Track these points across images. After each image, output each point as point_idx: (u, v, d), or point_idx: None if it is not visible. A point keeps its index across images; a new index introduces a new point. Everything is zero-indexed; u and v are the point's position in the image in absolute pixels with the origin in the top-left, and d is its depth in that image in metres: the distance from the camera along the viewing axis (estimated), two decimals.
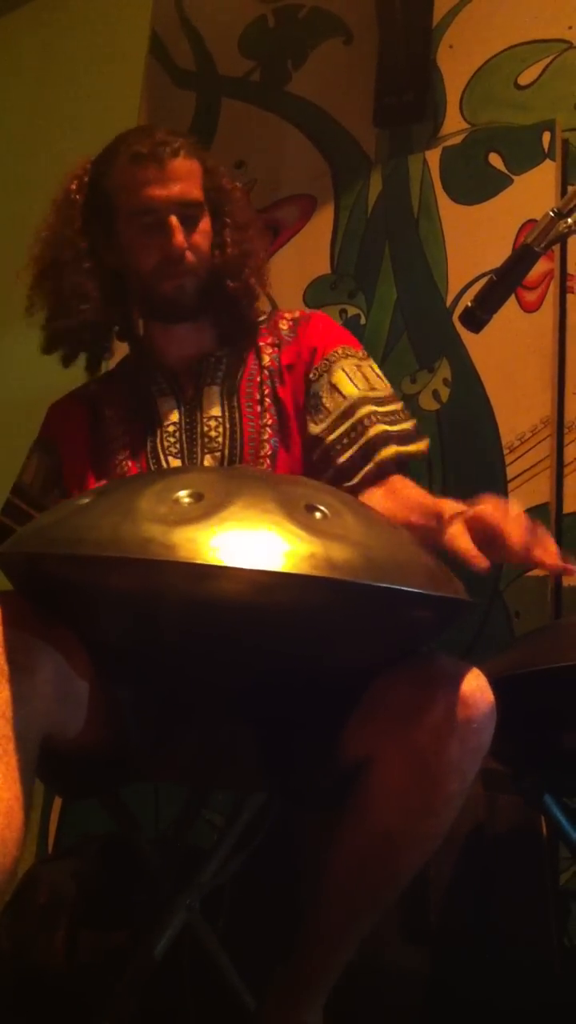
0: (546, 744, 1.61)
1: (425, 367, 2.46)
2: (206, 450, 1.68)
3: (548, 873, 1.90)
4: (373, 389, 1.71)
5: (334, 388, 1.70)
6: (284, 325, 1.79)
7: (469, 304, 1.46)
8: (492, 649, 2.01)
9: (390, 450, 1.65)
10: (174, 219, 1.66)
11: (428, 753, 1.28)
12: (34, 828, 2.39)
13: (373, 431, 1.66)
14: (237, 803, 1.55)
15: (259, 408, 1.71)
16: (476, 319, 1.47)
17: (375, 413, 1.68)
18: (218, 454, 1.67)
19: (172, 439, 1.69)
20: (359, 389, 1.69)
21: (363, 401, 1.68)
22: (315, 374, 1.71)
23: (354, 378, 1.71)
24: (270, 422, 1.69)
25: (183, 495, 1.20)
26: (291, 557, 1.13)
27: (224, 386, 1.73)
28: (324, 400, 1.69)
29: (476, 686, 1.30)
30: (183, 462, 1.67)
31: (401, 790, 1.30)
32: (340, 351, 1.74)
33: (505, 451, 2.31)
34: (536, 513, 2.23)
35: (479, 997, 1.71)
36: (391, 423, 1.69)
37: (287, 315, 1.82)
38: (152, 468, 1.67)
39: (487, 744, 1.32)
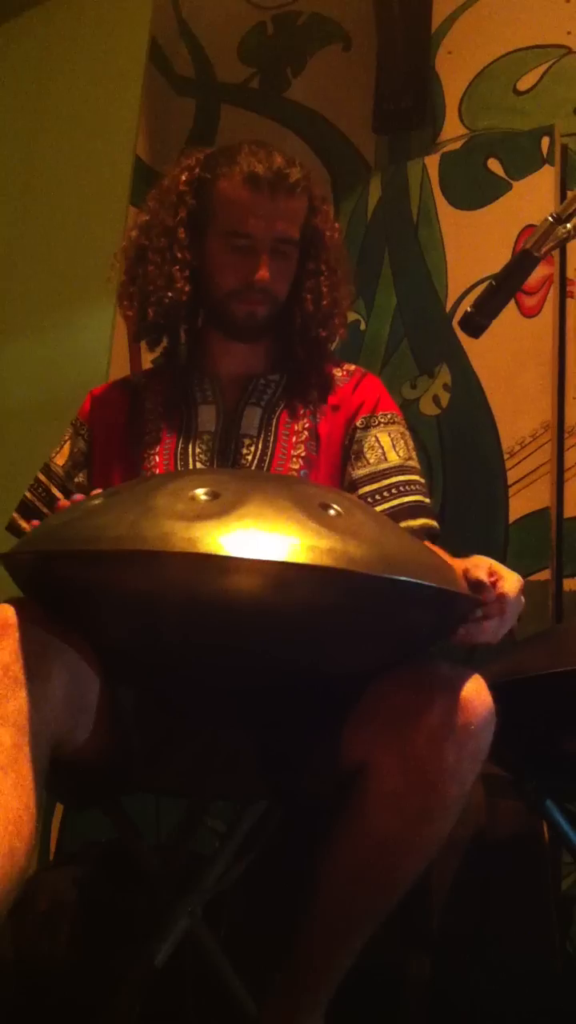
0: (547, 749, 1.61)
1: (425, 372, 2.46)
2: (236, 467, 1.69)
3: (550, 878, 1.89)
4: (410, 459, 1.76)
5: (378, 444, 1.74)
6: (339, 372, 1.83)
7: (469, 309, 1.47)
8: (493, 654, 2.01)
9: (419, 521, 1.69)
10: (266, 255, 1.68)
11: (425, 758, 1.28)
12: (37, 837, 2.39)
13: (408, 499, 1.70)
14: (238, 810, 1.55)
15: (294, 439, 1.73)
16: (476, 324, 1.47)
17: (413, 483, 1.73)
18: (250, 457, 1.70)
19: (204, 447, 1.71)
20: (399, 456, 1.74)
21: (402, 470, 1.73)
22: (363, 423, 1.75)
23: (396, 445, 1.75)
24: (303, 453, 1.71)
25: (199, 493, 1.20)
26: (312, 550, 1.13)
27: (266, 410, 1.75)
28: (366, 452, 1.73)
29: (474, 690, 1.30)
30: (209, 465, 1.69)
31: (398, 795, 1.29)
32: (391, 416, 1.79)
33: (505, 456, 2.31)
34: (537, 518, 2.24)
35: (481, 1003, 1.71)
36: (423, 495, 1.74)
37: (343, 365, 1.86)
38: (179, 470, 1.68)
39: (486, 749, 1.31)
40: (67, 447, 1.80)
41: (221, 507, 1.17)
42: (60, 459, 1.80)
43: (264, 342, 1.79)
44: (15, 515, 1.79)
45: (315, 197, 1.78)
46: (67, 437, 1.82)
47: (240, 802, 1.55)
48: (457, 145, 2.62)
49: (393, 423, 1.78)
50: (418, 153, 2.65)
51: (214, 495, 1.20)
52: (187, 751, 1.43)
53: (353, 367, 1.86)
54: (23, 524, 1.76)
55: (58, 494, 1.76)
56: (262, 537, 1.14)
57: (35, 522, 1.56)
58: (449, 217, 2.53)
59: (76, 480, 1.77)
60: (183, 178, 1.76)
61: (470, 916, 1.77)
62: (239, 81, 3.09)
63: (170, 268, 1.72)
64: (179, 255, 1.72)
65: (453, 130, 2.65)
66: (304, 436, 1.73)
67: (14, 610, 1.23)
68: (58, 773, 1.31)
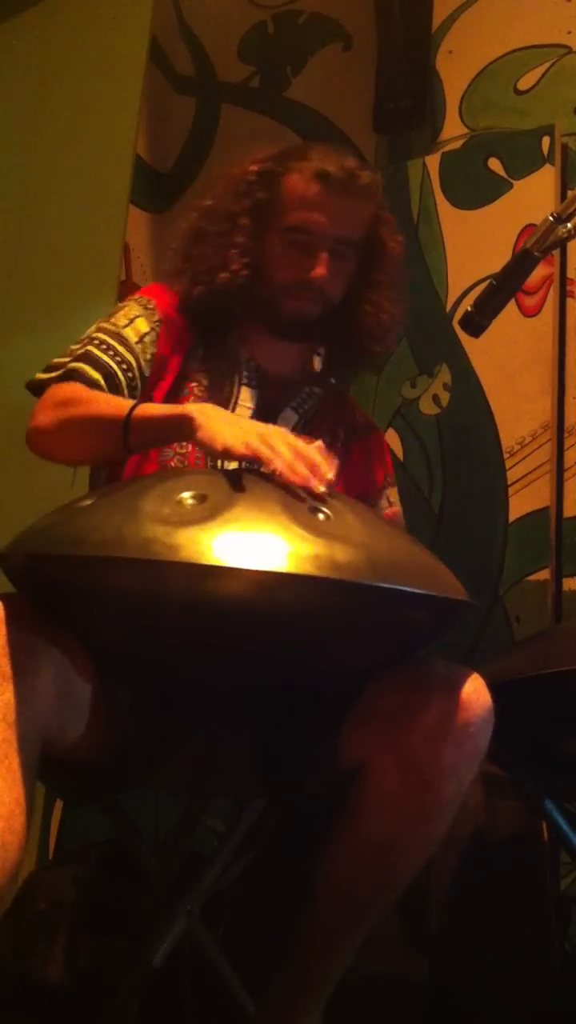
0: (546, 749, 1.61)
1: (425, 372, 2.45)
2: None
3: (549, 878, 1.89)
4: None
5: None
6: (360, 418, 1.85)
7: (469, 309, 1.47)
8: (492, 653, 2.01)
9: None
10: (325, 254, 1.67)
11: (422, 758, 1.28)
12: (35, 834, 2.39)
13: None
14: (237, 809, 1.55)
15: None
16: (476, 324, 1.47)
17: None
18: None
19: None
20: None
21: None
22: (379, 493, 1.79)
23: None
24: None
25: (186, 496, 1.20)
26: (295, 558, 1.13)
27: (303, 418, 1.75)
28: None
29: (472, 689, 1.30)
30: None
31: (395, 795, 1.29)
32: (388, 480, 1.83)
33: (505, 456, 2.31)
34: (536, 517, 2.24)
35: (480, 1003, 1.71)
36: None
37: (361, 410, 1.89)
38: None
39: (484, 748, 1.31)
40: (136, 325, 1.67)
41: (207, 512, 1.17)
42: (132, 332, 1.66)
43: (306, 345, 1.78)
44: (81, 365, 1.59)
45: (381, 206, 1.76)
46: (138, 315, 1.69)
47: (239, 801, 1.55)
48: (457, 144, 2.62)
49: (389, 486, 1.82)
50: (418, 152, 2.65)
51: (201, 498, 1.20)
52: (185, 750, 1.43)
53: (370, 419, 1.89)
54: (88, 370, 1.60)
55: (136, 366, 1.63)
56: (245, 544, 1.13)
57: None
58: (449, 216, 2.53)
59: (146, 373, 1.65)
60: (253, 169, 1.73)
61: (469, 916, 1.78)
62: (239, 80, 3.09)
63: (227, 251, 1.69)
64: (238, 240, 1.69)
65: (453, 129, 2.64)
66: None
67: (2, 605, 1.22)
68: (55, 769, 1.31)
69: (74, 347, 1.65)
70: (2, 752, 1.15)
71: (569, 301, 2.35)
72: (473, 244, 2.46)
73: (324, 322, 1.72)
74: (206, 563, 1.12)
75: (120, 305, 1.72)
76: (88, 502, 1.28)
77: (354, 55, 2.88)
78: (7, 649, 1.19)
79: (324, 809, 1.39)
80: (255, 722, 1.42)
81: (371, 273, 1.75)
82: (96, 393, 1.55)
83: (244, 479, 1.26)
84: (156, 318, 1.69)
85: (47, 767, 1.25)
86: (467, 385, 2.40)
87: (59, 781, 1.46)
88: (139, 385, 1.63)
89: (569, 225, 1.41)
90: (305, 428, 1.73)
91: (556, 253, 2.24)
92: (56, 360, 1.65)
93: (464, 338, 2.39)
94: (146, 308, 1.70)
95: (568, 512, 2.24)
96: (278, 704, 1.40)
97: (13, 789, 1.15)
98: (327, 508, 1.22)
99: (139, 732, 1.39)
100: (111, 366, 1.60)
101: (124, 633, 1.29)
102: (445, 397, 2.42)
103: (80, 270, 2.99)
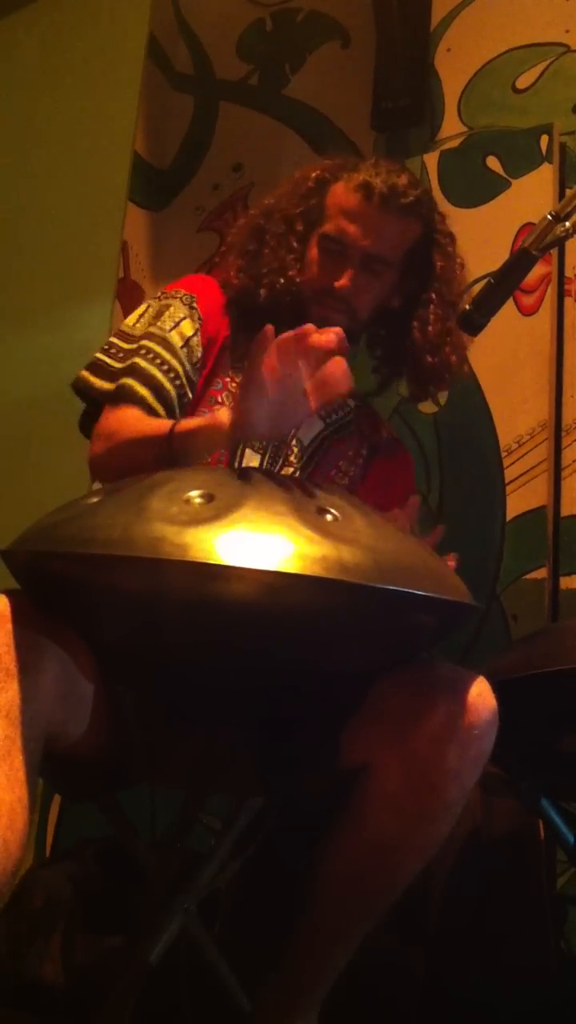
0: (543, 748, 1.61)
1: None
2: (287, 464, 1.69)
3: (545, 877, 1.90)
4: None
5: None
6: (385, 435, 1.86)
7: (467, 307, 1.46)
8: (489, 652, 2.01)
9: None
10: (353, 266, 1.67)
11: (426, 760, 1.28)
12: (32, 831, 2.39)
13: None
14: (234, 807, 1.55)
15: (333, 472, 1.75)
16: (474, 322, 1.47)
17: None
18: (289, 469, 1.70)
19: None
20: None
21: None
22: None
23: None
24: None
25: (194, 495, 1.20)
26: (303, 559, 1.13)
27: (328, 427, 1.76)
28: None
29: (477, 692, 1.30)
30: (261, 458, 1.68)
31: (399, 796, 1.29)
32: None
33: (503, 454, 2.31)
34: (534, 516, 2.23)
35: (476, 1000, 1.71)
36: None
37: (387, 427, 1.89)
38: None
39: (488, 751, 1.31)
40: (182, 328, 1.67)
41: (214, 511, 1.17)
42: (178, 336, 1.67)
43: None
44: (129, 381, 1.61)
45: (440, 232, 1.76)
46: (183, 316, 1.69)
47: (236, 799, 1.55)
48: (456, 143, 2.61)
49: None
50: (417, 151, 2.65)
51: (209, 497, 1.19)
52: (187, 749, 1.43)
53: (395, 436, 1.89)
54: (136, 386, 1.61)
55: (183, 372, 1.64)
56: (253, 544, 1.13)
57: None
58: (447, 215, 2.51)
59: (194, 379, 1.66)
60: (313, 175, 1.76)
61: (466, 914, 1.78)
62: (238, 78, 3.09)
63: (284, 255, 1.71)
64: (294, 244, 1.72)
65: (452, 128, 2.64)
66: (345, 481, 1.75)
67: (8, 601, 1.22)
68: (56, 765, 1.31)
69: (118, 342, 1.67)
70: (5, 749, 1.15)
71: (567, 300, 2.35)
72: (471, 242, 2.43)
73: (351, 334, 1.69)
74: (214, 563, 1.11)
75: (166, 303, 1.72)
76: (95, 500, 1.27)
77: (352, 53, 2.87)
78: (11, 646, 1.18)
79: (323, 809, 1.39)
80: (257, 721, 1.42)
81: (420, 293, 1.76)
82: (141, 417, 1.58)
83: (252, 479, 1.26)
84: (199, 316, 1.71)
85: (48, 764, 1.25)
86: (465, 384, 2.39)
87: (60, 778, 1.46)
88: (188, 391, 1.65)
89: (567, 224, 1.41)
90: (332, 438, 1.76)
91: (554, 252, 2.24)
92: (100, 357, 1.67)
93: None
94: (191, 308, 1.71)
95: (565, 510, 2.24)
96: (280, 704, 1.40)
97: (15, 787, 1.14)
98: (335, 509, 1.22)
99: (141, 730, 1.39)
100: (158, 379, 1.62)
101: (128, 631, 1.29)
102: (443, 396, 2.42)
103: (78, 267, 2.99)
